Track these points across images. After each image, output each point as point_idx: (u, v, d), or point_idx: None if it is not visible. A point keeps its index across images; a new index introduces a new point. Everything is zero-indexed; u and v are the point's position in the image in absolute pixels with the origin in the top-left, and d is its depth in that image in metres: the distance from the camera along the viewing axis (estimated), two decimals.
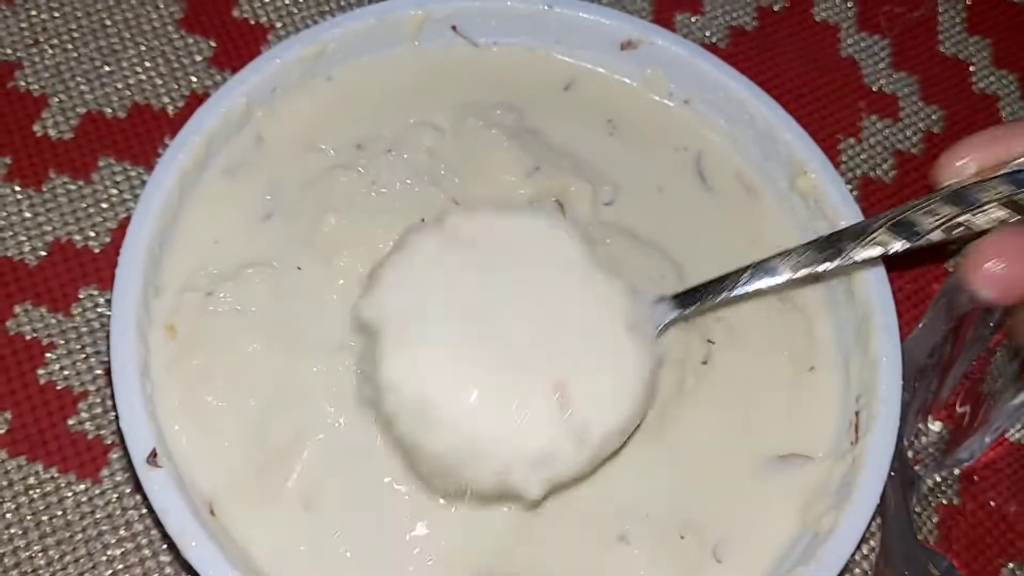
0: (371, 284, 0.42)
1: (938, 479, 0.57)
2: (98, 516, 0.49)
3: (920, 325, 0.51)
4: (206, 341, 0.44)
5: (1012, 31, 0.74)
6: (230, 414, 0.43)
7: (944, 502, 0.56)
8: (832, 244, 0.42)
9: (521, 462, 0.40)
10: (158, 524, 0.39)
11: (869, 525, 0.42)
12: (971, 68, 0.72)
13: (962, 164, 0.39)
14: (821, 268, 0.42)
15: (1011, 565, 0.55)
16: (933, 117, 0.69)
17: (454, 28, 0.54)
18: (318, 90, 0.51)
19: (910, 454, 0.55)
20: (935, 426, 0.57)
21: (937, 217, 0.39)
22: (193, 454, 0.42)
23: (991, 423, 0.58)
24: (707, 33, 0.69)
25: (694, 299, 0.44)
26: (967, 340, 0.52)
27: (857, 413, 0.46)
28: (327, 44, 0.51)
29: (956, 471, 0.57)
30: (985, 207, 0.39)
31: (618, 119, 0.54)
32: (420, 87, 0.52)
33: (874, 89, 0.70)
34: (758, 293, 0.44)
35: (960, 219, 0.39)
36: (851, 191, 0.65)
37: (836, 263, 0.42)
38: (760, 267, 0.43)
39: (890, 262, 0.54)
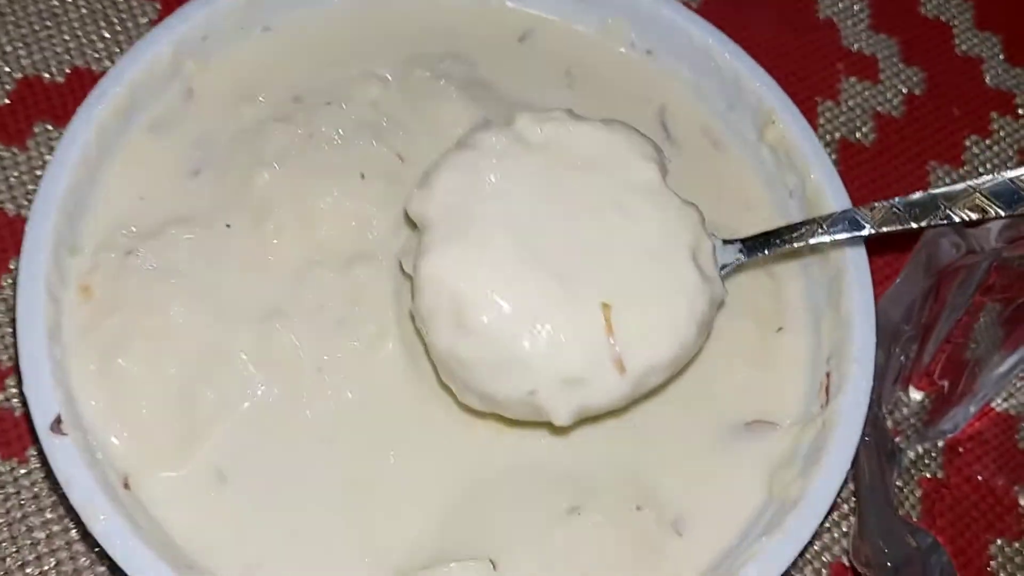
0: (427, 178, 0.40)
1: (920, 451, 0.54)
2: (23, 497, 0.46)
3: (897, 281, 0.48)
4: (124, 303, 0.41)
5: None
6: (149, 381, 0.40)
7: (927, 475, 0.53)
8: (927, 201, 0.40)
9: (554, 382, 0.37)
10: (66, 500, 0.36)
11: (840, 491, 0.39)
12: (953, 30, 0.70)
13: None
14: (912, 226, 0.40)
15: (999, 541, 0.52)
16: (914, 79, 0.67)
17: None
18: (254, 41, 0.48)
19: (890, 424, 0.52)
20: (916, 395, 0.54)
21: None
22: (107, 424, 0.39)
23: (976, 392, 0.55)
24: None
25: (765, 245, 0.42)
26: (948, 300, 0.49)
27: (828, 374, 0.43)
28: None
29: (940, 443, 0.54)
30: None
31: (576, 70, 0.51)
32: (365, 37, 0.49)
33: (853, 50, 0.67)
34: (832, 244, 0.42)
35: None
36: (829, 154, 0.62)
37: (928, 222, 0.39)
38: (843, 218, 0.41)
39: None
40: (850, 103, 0.65)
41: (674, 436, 0.42)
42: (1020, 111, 0.67)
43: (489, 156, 0.40)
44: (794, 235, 0.42)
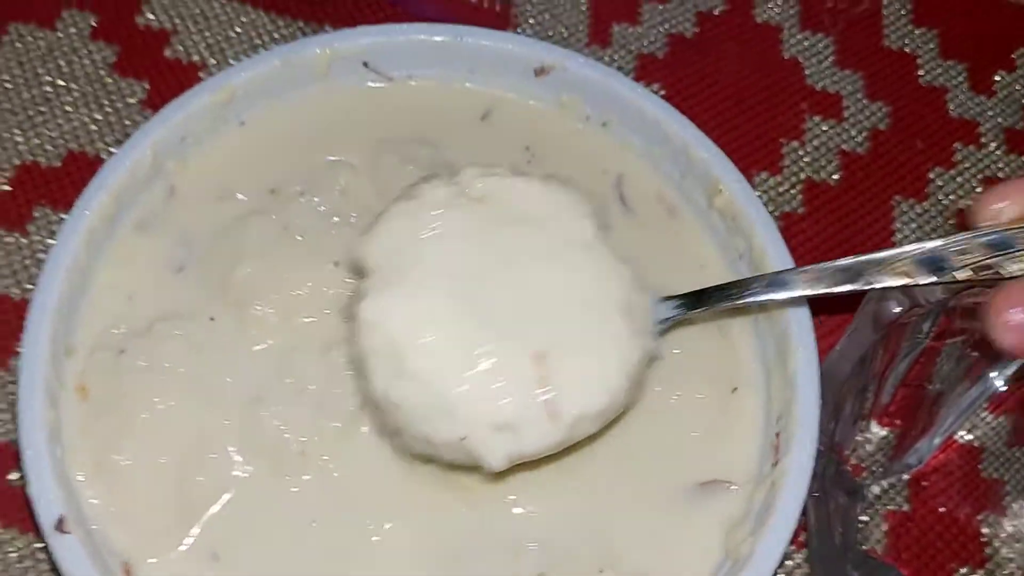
0: (371, 225, 0.43)
1: (885, 485, 0.56)
2: (40, 570, 0.50)
3: (846, 335, 0.50)
4: (118, 401, 0.44)
5: (959, 18, 0.73)
6: (143, 473, 0.43)
7: (893, 509, 0.55)
8: (854, 267, 0.41)
9: (486, 427, 0.39)
10: None
11: (786, 548, 0.42)
12: (917, 61, 0.71)
13: (998, 208, 0.39)
14: (839, 290, 0.41)
15: (963, 570, 0.55)
16: (879, 114, 0.68)
17: (365, 64, 0.53)
18: (231, 135, 0.51)
19: (854, 461, 0.54)
20: (880, 431, 0.56)
21: (968, 257, 0.39)
22: (107, 516, 0.42)
23: (939, 425, 0.57)
24: (645, 43, 0.69)
25: (701, 302, 0.44)
26: (899, 351, 0.52)
27: (777, 435, 0.45)
28: (235, 89, 0.51)
29: (904, 476, 0.57)
30: (1018, 254, 0.38)
31: (535, 146, 0.53)
32: (333, 126, 0.52)
33: (818, 88, 0.69)
34: (767, 303, 0.44)
35: (990, 262, 0.38)
36: (795, 195, 0.65)
37: (855, 286, 0.41)
38: (776, 279, 0.43)
39: None
40: (815, 143, 0.67)
41: (634, 496, 0.45)
42: (983, 140, 0.68)
43: (431, 206, 0.42)
44: (727, 293, 0.44)
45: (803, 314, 0.47)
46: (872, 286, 0.41)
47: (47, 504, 0.40)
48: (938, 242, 0.40)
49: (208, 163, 0.51)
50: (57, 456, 0.42)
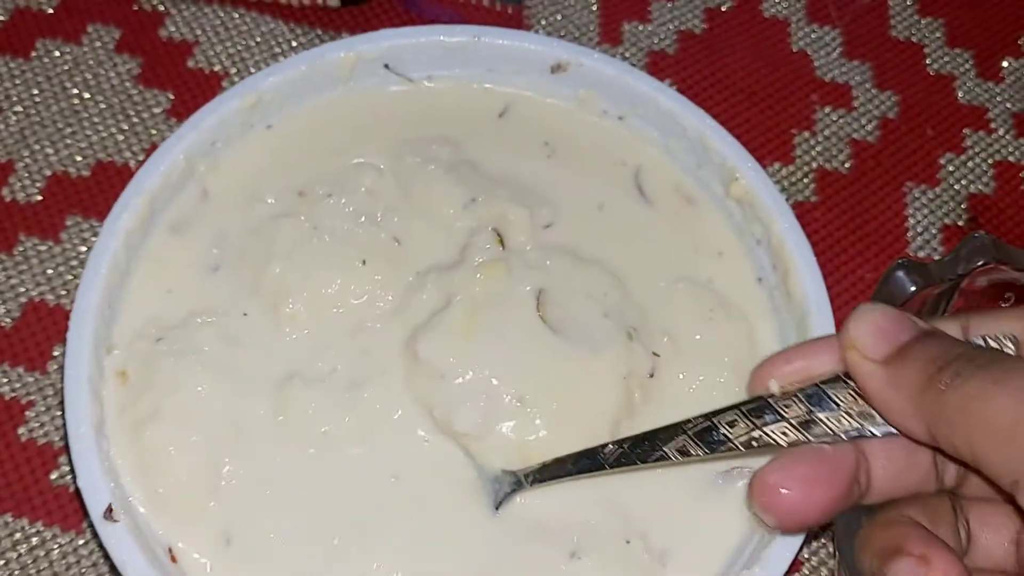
0: None
1: None
2: (83, 566, 0.51)
3: None
4: (155, 381, 0.46)
5: (965, 8, 0.74)
6: (176, 454, 0.45)
7: None
8: (647, 441, 0.41)
9: None
10: None
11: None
12: (924, 50, 0.72)
13: (764, 380, 0.38)
14: (636, 465, 0.41)
15: None
16: (888, 103, 0.70)
17: (387, 66, 0.55)
18: (259, 139, 0.53)
19: None
20: None
21: (736, 429, 0.37)
22: (147, 499, 0.44)
23: None
24: (655, 40, 0.70)
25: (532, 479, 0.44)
26: None
27: None
28: (262, 94, 0.52)
29: None
30: (779, 425, 0.37)
31: (554, 141, 0.55)
32: (358, 128, 0.54)
33: (827, 80, 0.70)
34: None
35: (754, 435, 0.37)
36: (808, 184, 0.66)
37: (647, 462, 0.40)
38: (585, 454, 0.43)
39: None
40: (826, 132, 0.68)
41: (663, 482, 0.46)
42: (992, 125, 0.69)
43: None
44: (556, 470, 0.44)
45: (821, 292, 0.48)
46: (660, 458, 0.40)
47: (96, 495, 0.42)
48: (712, 412, 0.39)
49: (239, 167, 0.52)
50: (104, 449, 0.43)
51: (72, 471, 0.45)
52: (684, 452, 0.39)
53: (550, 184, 0.53)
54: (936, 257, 0.64)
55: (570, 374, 0.46)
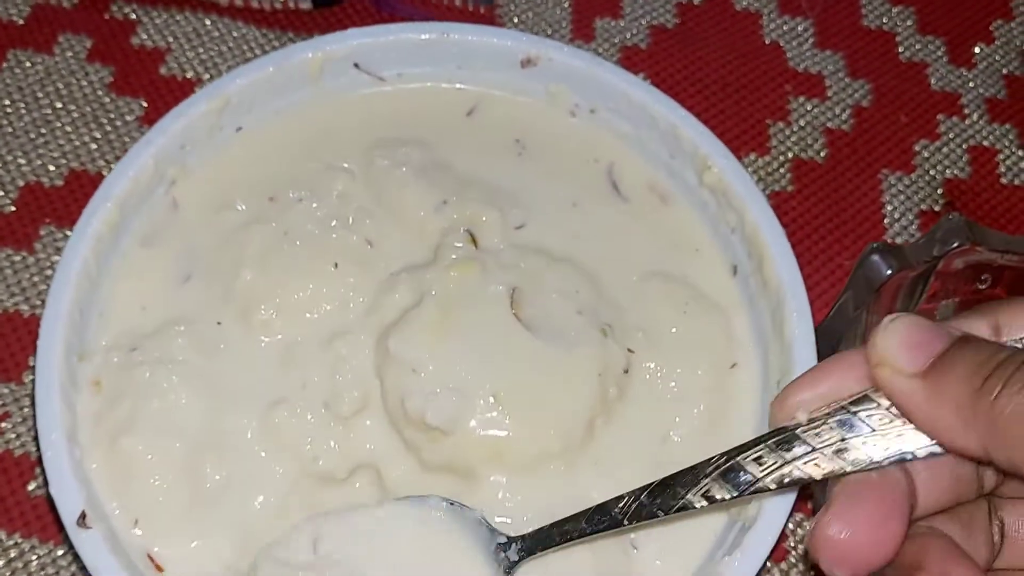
0: None
1: None
2: None
3: (838, 301, 0.51)
4: (130, 390, 0.46)
5: None
6: (154, 460, 0.44)
7: None
8: (667, 489, 0.37)
9: None
10: None
11: (792, 510, 0.43)
12: (896, 38, 0.73)
13: (791, 410, 0.35)
14: (657, 517, 0.38)
15: None
16: (861, 92, 0.70)
17: (356, 66, 0.55)
18: (229, 142, 0.53)
19: None
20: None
21: (763, 466, 0.34)
22: (123, 508, 0.43)
23: None
24: (627, 36, 0.70)
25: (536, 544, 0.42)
26: (894, 310, 0.52)
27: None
28: (230, 97, 0.52)
29: None
30: (811, 456, 0.34)
31: (525, 139, 0.54)
32: (328, 130, 0.54)
33: (800, 71, 0.70)
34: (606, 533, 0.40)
35: (785, 470, 0.34)
36: (784, 174, 0.66)
37: (670, 513, 0.37)
38: (598, 511, 0.40)
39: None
40: (800, 122, 0.68)
41: (640, 475, 0.45)
42: (966, 111, 0.70)
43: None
44: (564, 529, 0.41)
45: (796, 277, 0.48)
46: (686, 507, 0.37)
47: (68, 503, 0.42)
48: (734, 451, 0.36)
49: (208, 170, 0.52)
50: (76, 456, 0.43)
51: (44, 478, 0.44)
52: (710, 498, 0.36)
53: (522, 184, 0.52)
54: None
55: (544, 372, 0.45)
